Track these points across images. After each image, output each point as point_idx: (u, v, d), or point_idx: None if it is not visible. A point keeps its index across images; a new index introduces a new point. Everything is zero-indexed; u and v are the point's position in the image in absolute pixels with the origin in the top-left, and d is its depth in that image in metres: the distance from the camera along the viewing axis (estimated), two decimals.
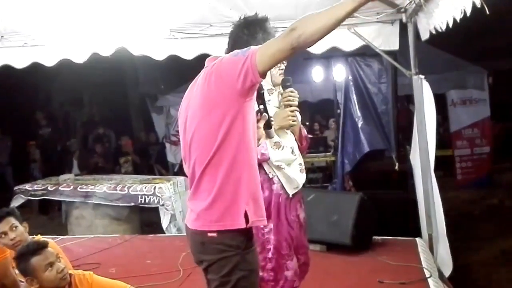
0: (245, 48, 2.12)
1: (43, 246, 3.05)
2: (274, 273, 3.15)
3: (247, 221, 2.23)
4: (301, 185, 3.29)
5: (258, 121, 2.48)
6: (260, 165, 3.01)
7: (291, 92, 3.13)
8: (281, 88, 3.22)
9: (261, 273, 2.97)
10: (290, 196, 3.22)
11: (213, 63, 2.27)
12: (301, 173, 3.28)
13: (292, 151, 3.22)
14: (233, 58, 2.13)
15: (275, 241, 3.13)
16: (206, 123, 2.24)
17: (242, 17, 2.55)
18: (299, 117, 3.30)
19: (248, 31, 2.49)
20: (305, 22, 1.97)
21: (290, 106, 3.11)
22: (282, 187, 3.18)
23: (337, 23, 2.00)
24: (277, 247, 3.14)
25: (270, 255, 3.13)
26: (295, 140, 3.27)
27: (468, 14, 2.99)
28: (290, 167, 3.21)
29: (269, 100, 3.08)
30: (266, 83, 3.15)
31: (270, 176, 3.12)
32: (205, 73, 2.27)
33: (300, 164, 3.29)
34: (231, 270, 2.25)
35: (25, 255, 3.01)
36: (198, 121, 2.27)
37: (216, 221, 2.26)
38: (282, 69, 3.20)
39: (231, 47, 2.51)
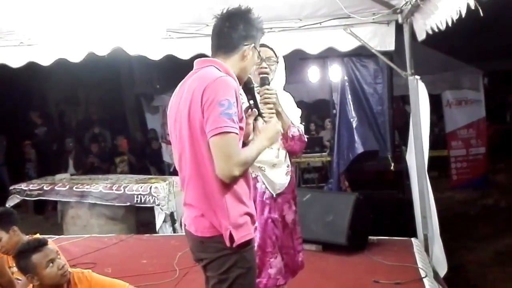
0: (223, 117, 2.17)
1: (43, 243, 3.06)
2: (258, 270, 3.16)
3: (232, 240, 2.27)
4: (283, 188, 3.27)
5: (248, 116, 2.50)
6: None
7: (267, 89, 3.05)
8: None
9: None
10: (274, 195, 3.23)
11: (211, 80, 2.25)
12: (286, 175, 3.27)
13: (278, 153, 3.20)
14: (215, 112, 2.17)
15: (259, 239, 3.13)
16: (194, 143, 2.27)
17: (224, 10, 2.48)
18: (292, 117, 3.28)
19: (229, 23, 2.42)
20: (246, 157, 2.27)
21: (268, 103, 3.03)
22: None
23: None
24: (261, 245, 3.14)
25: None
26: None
27: (463, 15, 3.00)
28: (273, 169, 3.21)
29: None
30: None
31: (253, 175, 3.11)
32: (197, 86, 2.27)
33: (288, 166, 3.29)
34: (230, 268, 2.29)
35: (25, 252, 3.01)
36: (188, 138, 2.30)
37: (209, 227, 2.31)
38: (264, 67, 3.13)
39: (216, 44, 2.47)
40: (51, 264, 2.98)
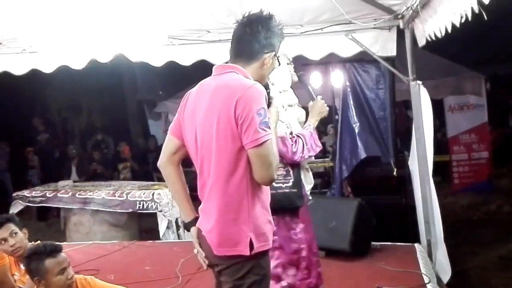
0: (262, 126, 2.21)
1: (59, 249, 3.05)
2: (308, 271, 3.24)
3: (252, 248, 2.28)
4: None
5: None
6: (298, 165, 3.20)
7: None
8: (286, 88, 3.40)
9: (294, 272, 3.16)
10: (310, 199, 3.36)
11: (243, 90, 2.26)
12: None
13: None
14: (254, 123, 2.20)
15: (308, 240, 3.24)
16: (223, 151, 2.28)
17: (246, 15, 2.46)
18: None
19: (251, 29, 2.42)
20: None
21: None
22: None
23: None
24: (310, 246, 3.26)
25: (304, 253, 3.21)
26: None
27: (470, 18, 2.99)
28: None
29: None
30: (280, 83, 3.31)
31: (302, 177, 3.24)
32: (227, 94, 2.27)
33: None
34: (246, 274, 2.30)
35: (40, 255, 2.99)
36: (215, 145, 2.29)
37: (218, 245, 2.32)
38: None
39: (236, 51, 2.47)
40: (61, 273, 2.98)
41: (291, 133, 3.23)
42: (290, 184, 3.14)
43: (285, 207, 3.13)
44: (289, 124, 3.27)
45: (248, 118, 2.20)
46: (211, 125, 2.29)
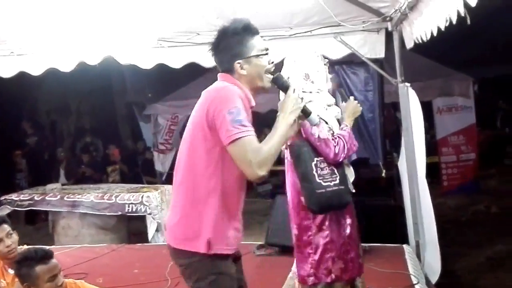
0: (235, 124, 2.21)
1: (50, 255, 3.02)
2: (353, 263, 3.34)
3: (209, 247, 2.31)
4: None
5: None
6: (341, 162, 3.28)
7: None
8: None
9: (342, 265, 3.24)
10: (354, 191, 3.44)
11: (216, 92, 2.36)
12: None
13: None
14: (226, 121, 2.22)
15: (355, 235, 3.40)
16: (193, 151, 2.36)
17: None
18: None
19: (215, 51, 2.51)
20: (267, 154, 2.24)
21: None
22: None
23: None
24: (356, 240, 3.41)
25: (349, 247, 3.33)
26: None
27: (454, 22, 3.01)
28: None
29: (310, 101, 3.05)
30: (319, 82, 3.41)
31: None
32: (206, 97, 2.37)
33: None
34: (200, 276, 2.36)
35: (31, 260, 2.96)
36: (188, 145, 2.40)
37: (180, 238, 2.38)
38: None
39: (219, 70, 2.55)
40: (52, 280, 2.95)
41: (332, 134, 3.27)
42: (338, 181, 3.21)
43: (335, 205, 3.22)
44: (331, 125, 3.32)
45: (219, 117, 2.25)
46: (189, 127, 2.41)
